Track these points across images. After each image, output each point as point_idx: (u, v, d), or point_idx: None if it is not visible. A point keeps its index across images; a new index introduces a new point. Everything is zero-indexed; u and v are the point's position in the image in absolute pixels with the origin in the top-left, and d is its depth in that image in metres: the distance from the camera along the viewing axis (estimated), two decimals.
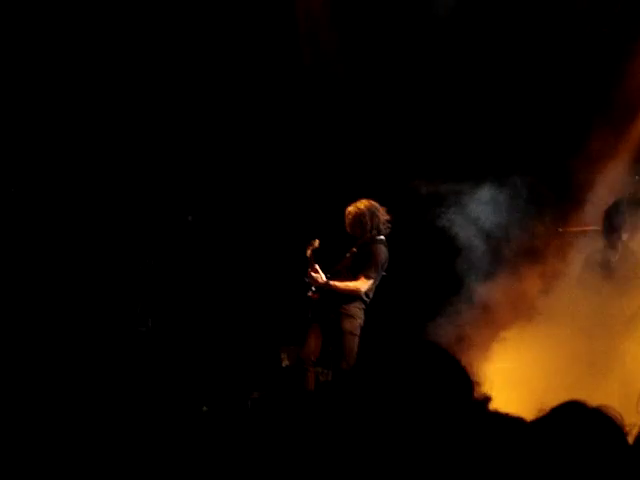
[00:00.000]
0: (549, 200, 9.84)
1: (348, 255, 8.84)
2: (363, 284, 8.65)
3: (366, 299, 8.76)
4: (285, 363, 10.07)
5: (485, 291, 9.44)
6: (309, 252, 8.79)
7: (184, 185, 10.90)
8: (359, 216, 8.71)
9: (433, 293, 9.93)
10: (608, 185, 9.64)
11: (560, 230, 9.80)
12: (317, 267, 8.74)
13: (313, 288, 8.78)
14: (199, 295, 10.80)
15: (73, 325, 9.86)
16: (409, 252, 10.29)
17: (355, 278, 8.70)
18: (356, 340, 8.69)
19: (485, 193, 9.59)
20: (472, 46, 10.46)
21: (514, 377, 8.78)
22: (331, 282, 8.69)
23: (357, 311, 8.71)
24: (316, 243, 8.81)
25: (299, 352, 9.12)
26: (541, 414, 2.37)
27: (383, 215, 8.76)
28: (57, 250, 10.41)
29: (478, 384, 2.37)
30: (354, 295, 8.67)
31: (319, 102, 10.91)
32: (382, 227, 8.74)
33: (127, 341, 9.74)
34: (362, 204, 8.76)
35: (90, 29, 10.45)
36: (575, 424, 2.27)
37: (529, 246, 9.62)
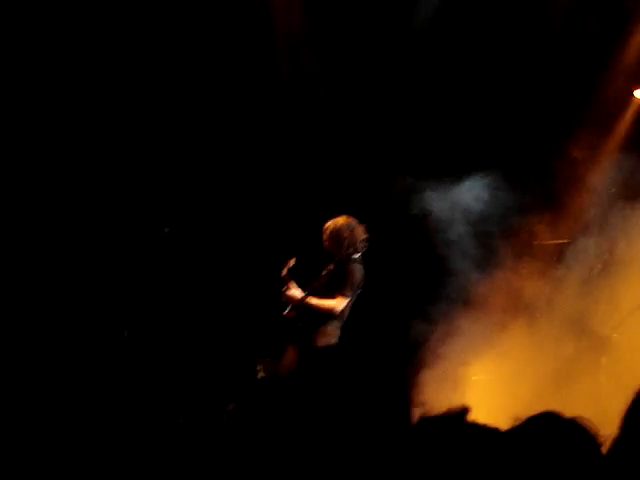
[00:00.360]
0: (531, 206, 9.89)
1: (324, 272, 8.80)
2: (339, 303, 8.60)
3: (342, 317, 8.74)
4: (261, 375, 10.05)
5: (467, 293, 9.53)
6: (285, 271, 8.74)
7: (161, 196, 10.88)
8: (337, 232, 8.64)
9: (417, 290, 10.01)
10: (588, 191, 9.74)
11: (535, 243, 9.85)
12: (293, 284, 8.69)
13: (289, 307, 8.75)
14: (175, 306, 10.78)
15: (50, 337, 9.84)
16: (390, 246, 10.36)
17: (331, 296, 8.65)
18: None
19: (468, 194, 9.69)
20: (457, 48, 10.53)
21: (495, 387, 8.82)
22: (307, 299, 8.66)
23: (333, 329, 8.68)
24: (292, 262, 8.75)
25: (276, 366, 9.09)
26: (516, 423, 2.38)
27: (361, 233, 8.70)
28: (34, 259, 10.39)
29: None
30: (329, 313, 8.64)
31: (299, 112, 10.95)
32: (359, 245, 8.67)
33: (104, 353, 9.71)
34: (341, 220, 8.70)
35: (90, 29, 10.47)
36: (550, 434, 2.29)
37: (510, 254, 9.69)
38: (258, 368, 10.08)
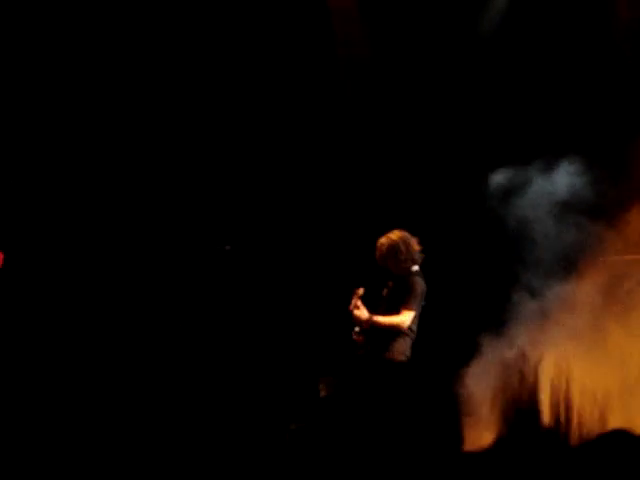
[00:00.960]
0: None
1: (385, 290, 8.74)
2: (406, 317, 8.48)
3: (411, 333, 8.62)
4: (323, 394, 9.99)
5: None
6: (354, 302, 8.64)
7: (223, 214, 10.91)
8: (393, 247, 8.56)
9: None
10: None
11: (602, 259, 9.68)
12: (360, 305, 8.61)
13: (357, 329, 8.68)
14: (239, 324, 10.78)
15: (115, 352, 9.90)
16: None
17: (396, 312, 8.56)
18: None
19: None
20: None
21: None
22: (374, 318, 8.57)
23: (403, 347, 8.58)
24: (360, 291, 8.68)
25: (338, 385, 8.97)
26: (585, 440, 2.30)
27: (415, 246, 8.63)
28: (97, 280, 10.46)
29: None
30: (398, 330, 8.54)
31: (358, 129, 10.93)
32: (416, 258, 8.61)
33: (167, 369, 9.74)
34: (395, 235, 8.62)
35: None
36: (620, 453, 2.20)
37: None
38: (320, 387, 10.02)
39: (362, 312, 8.58)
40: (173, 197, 10.89)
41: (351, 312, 8.60)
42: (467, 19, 10.69)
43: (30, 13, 10.27)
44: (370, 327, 8.58)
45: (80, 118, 10.63)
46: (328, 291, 9.80)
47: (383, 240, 8.63)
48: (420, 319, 8.69)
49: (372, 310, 8.64)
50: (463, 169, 10.73)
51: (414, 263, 8.60)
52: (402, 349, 8.55)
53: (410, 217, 9.81)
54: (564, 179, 9.85)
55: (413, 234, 8.68)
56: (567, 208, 9.77)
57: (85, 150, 10.66)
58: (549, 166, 9.88)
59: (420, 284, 8.56)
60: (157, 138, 10.87)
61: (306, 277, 10.92)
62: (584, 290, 9.42)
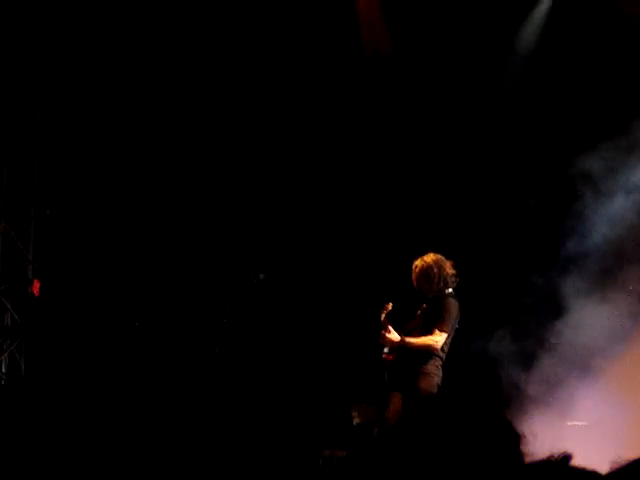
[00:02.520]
0: None
1: (419, 312, 8.76)
2: (439, 338, 8.45)
3: (442, 355, 8.60)
4: (356, 421, 10.01)
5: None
6: (383, 316, 8.69)
7: (256, 243, 10.99)
8: (427, 269, 8.60)
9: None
10: None
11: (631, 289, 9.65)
12: (390, 327, 8.64)
13: (386, 349, 8.69)
14: (271, 352, 10.83)
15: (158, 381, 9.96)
16: None
17: (429, 333, 8.55)
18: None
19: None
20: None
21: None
22: (406, 339, 8.59)
23: (434, 369, 8.53)
24: (389, 306, 8.70)
25: (371, 412, 9.00)
26: (616, 467, 2.32)
27: (450, 269, 8.68)
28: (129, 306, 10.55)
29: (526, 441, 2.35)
30: (429, 351, 8.54)
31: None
32: (449, 280, 8.63)
33: (200, 399, 9.78)
34: (429, 257, 8.65)
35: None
36: None
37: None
38: (353, 414, 10.04)
39: (393, 335, 8.61)
40: (208, 225, 10.98)
41: (382, 334, 8.64)
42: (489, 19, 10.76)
43: (31, 13, 10.36)
44: (401, 349, 8.61)
45: (108, 152, 10.76)
46: (362, 318, 9.82)
47: (417, 262, 8.68)
48: (453, 342, 8.74)
49: (404, 331, 8.68)
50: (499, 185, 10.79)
51: (447, 286, 8.62)
52: (433, 371, 8.52)
53: (447, 239, 9.87)
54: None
55: (448, 257, 8.75)
56: None
57: (114, 183, 10.78)
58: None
59: (454, 306, 8.57)
60: (189, 163, 10.99)
61: (340, 303, 10.97)
62: None
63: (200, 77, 10.89)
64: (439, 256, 8.70)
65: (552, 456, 2.27)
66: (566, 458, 2.26)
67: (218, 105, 10.97)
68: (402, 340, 8.53)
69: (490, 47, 10.69)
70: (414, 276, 8.67)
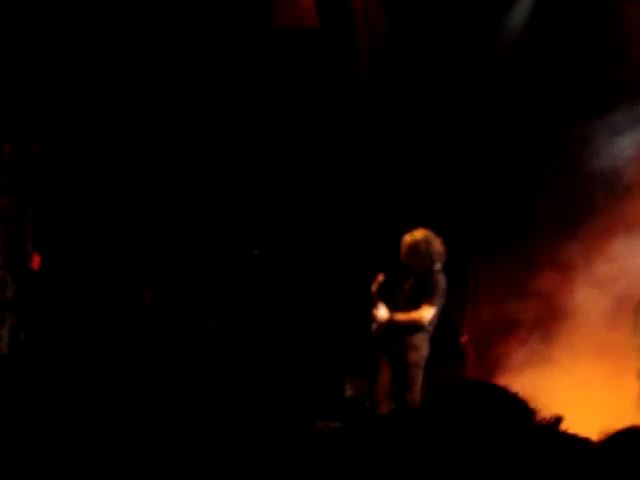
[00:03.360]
0: None
1: (406, 287, 8.88)
2: (426, 313, 8.64)
3: (430, 329, 8.76)
4: (349, 393, 10.11)
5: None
6: (374, 287, 8.82)
7: (251, 219, 11.07)
8: (415, 245, 8.73)
9: None
10: None
11: None
12: (380, 304, 8.79)
13: (375, 326, 8.82)
14: (265, 325, 10.91)
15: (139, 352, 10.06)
16: None
17: (417, 308, 8.73)
18: (421, 372, 8.73)
19: None
20: None
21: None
22: (394, 316, 8.75)
23: (422, 342, 8.71)
24: (380, 278, 8.82)
25: (368, 385, 9.14)
26: (604, 437, 2.37)
27: (439, 246, 8.80)
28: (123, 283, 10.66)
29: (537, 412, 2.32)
30: (417, 325, 8.70)
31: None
32: (437, 257, 8.76)
33: (194, 370, 9.89)
34: (418, 233, 8.79)
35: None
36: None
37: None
38: (346, 387, 10.15)
39: (382, 312, 8.75)
40: (201, 201, 11.07)
41: (372, 312, 8.78)
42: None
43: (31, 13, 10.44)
44: (391, 324, 8.79)
45: (110, 130, 10.85)
46: (353, 292, 9.92)
47: (406, 238, 8.81)
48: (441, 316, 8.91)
49: (391, 303, 8.84)
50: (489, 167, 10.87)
51: (434, 262, 8.76)
52: (421, 344, 8.70)
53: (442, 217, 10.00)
54: None
55: (439, 234, 8.91)
56: None
57: (116, 159, 10.88)
58: None
59: (442, 281, 8.73)
60: (186, 143, 11.07)
61: (332, 278, 11.05)
62: None
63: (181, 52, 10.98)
64: (429, 232, 8.80)
65: (543, 420, 2.27)
66: (557, 422, 2.26)
67: (206, 85, 11.04)
68: (391, 318, 8.69)
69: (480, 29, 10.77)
70: (402, 251, 8.78)
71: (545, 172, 10.40)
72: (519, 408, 2.32)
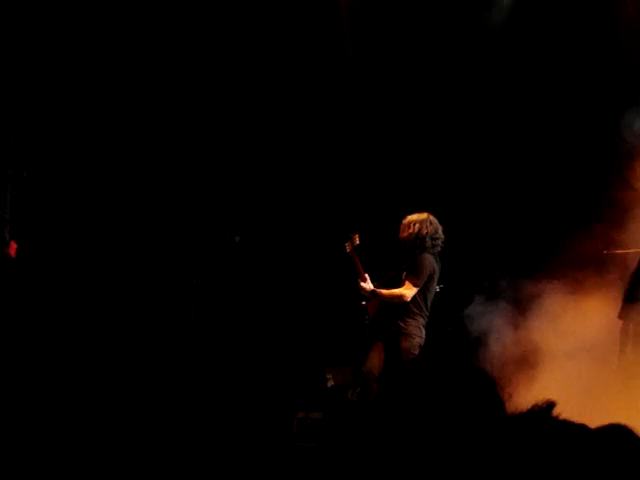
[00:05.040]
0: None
1: (403, 266, 8.89)
2: (408, 291, 8.62)
3: (422, 313, 8.74)
4: (331, 383, 10.09)
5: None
6: (349, 248, 8.80)
7: (231, 205, 11.02)
8: (410, 222, 8.74)
9: None
10: None
11: (605, 252, 9.76)
12: (366, 276, 8.78)
13: (364, 302, 8.84)
14: (246, 314, 10.88)
15: (122, 344, 9.99)
16: None
17: (401, 284, 8.72)
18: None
19: None
20: None
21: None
22: (377, 290, 8.75)
23: (416, 329, 8.68)
24: (356, 239, 8.81)
25: (345, 374, 9.07)
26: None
27: (435, 232, 8.76)
28: (103, 269, 10.57)
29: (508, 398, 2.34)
30: (400, 302, 8.64)
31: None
32: (430, 241, 8.74)
33: (173, 359, 9.83)
34: (419, 215, 8.80)
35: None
36: (619, 448, 2.26)
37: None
38: (328, 376, 10.12)
39: (367, 284, 8.74)
40: (182, 190, 11.00)
41: (358, 282, 8.76)
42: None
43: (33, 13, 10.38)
44: (379, 303, 8.74)
45: (86, 116, 10.76)
46: (338, 280, 9.89)
47: (407, 217, 8.83)
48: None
49: (382, 278, 8.82)
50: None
51: (425, 245, 8.69)
52: (414, 331, 8.67)
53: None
54: None
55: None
56: None
57: (94, 146, 10.80)
58: None
59: (428, 262, 8.69)
60: (165, 133, 11.00)
61: (316, 269, 11.02)
62: None
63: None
64: (430, 217, 8.81)
65: (535, 406, 2.26)
66: (550, 407, 2.26)
67: (187, 71, 10.99)
68: (374, 290, 8.69)
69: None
70: (401, 226, 8.81)
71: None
72: (480, 380, 2.31)
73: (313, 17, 11.00)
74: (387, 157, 11.13)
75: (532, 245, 10.25)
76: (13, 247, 10.12)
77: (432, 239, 8.70)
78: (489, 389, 2.30)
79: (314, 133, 11.14)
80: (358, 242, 8.80)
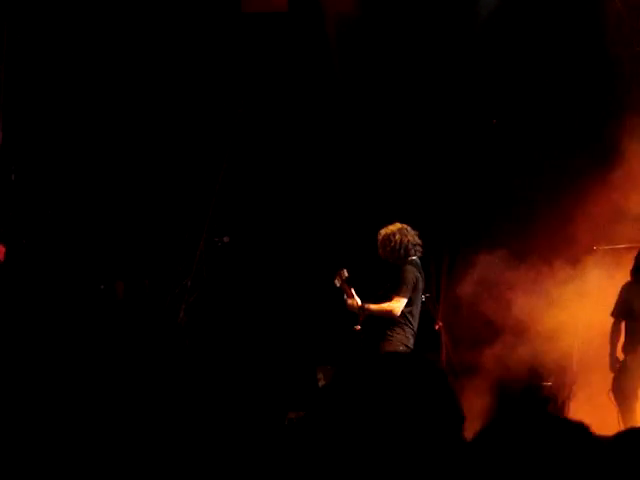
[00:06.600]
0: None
1: (388, 283, 8.87)
2: (396, 304, 8.62)
3: (410, 324, 8.72)
4: (322, 383, 10.08)
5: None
6: (338, 283, 8.80)
7: (220, 207, 11.00)
8: (388, 236, 8.72)
9: None
10: None
11: (595, 248, 9.78)
12: (352, 292, 8.76)
13: (358, 327, 8.79)
14: (236, 315, 10.86)
15: (112, 344, 9.98)
16: None
17: (389, 300, 8.71)
18: None
19: None
20: None
21: None
22: (365, 305, 8.72)
23: (401, 337, 8.67)
24: (344, 273, 8.82)
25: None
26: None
27: (412, 238, 8.77)
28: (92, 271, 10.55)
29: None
30: (389, 316, 8.66)
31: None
32: (411, 249, 8.74)
33: (164, 361, 9.81)
34: (393, 226, 8.80)
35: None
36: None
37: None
38: (319, 376, 10.11)
39: (354, 300, 8.73)
40: (172, 190, 10.99)
41: (345, 300, 8.75)
42: None
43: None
44: (366, 317, 8.72)
45: (74, 119, 10.74)
46: (327, 283, 9.89)
47: (382, 230, 8.81)
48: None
49: (372, 299, 8.79)
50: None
51: (409, 254, 8.71)
52: (400, 339, 8.67)
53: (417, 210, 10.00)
54: None
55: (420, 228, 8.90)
56: None
57: (82, 149, 10.77)
58: None
59: (411, 272, 8.67)
60: (153, 131, 10.98)
61: (306, 269, 11.00)
62: None
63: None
64: (404, 225, 8.81)
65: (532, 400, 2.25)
66: (546, 402, 2.25)
67: (174, 70, 10.98)
68: (362, 306, 8.67)
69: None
70: (378, 244, 8.78)
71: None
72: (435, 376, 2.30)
73: (301, 18, 10.99)
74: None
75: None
76: (1, 251, 10.09)
77: (413, 245, 8.72)
78: (440, 381, 2.29)
79: (312, 138, 11.12)
80: (347, 275, 8.80)
